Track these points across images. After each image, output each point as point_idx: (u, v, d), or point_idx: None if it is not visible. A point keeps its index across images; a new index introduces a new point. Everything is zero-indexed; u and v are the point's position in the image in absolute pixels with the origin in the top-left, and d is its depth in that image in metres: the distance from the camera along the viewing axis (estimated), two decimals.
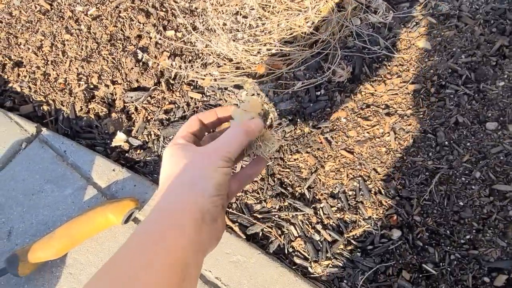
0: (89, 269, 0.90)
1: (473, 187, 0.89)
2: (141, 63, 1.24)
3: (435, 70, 1.06)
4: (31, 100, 1.24)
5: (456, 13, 1.17)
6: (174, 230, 0.37)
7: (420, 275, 0.83)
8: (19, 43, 1.37)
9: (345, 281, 0.86)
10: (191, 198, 0.39)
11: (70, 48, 1.31)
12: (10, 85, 1.29)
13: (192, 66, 1.21)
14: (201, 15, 1.30)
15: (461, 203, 0.88)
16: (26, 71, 1.30)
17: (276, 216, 0.95)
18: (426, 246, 0.85)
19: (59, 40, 1.34)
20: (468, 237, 0.84)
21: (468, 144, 0.94)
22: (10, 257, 0.85)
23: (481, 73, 1.03)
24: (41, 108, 1.22)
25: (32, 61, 1.31)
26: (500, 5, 1.17)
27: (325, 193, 0.96)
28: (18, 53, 1.35)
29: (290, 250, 0.91)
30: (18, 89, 1.27)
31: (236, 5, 1.26)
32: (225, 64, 1.19)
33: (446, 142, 0.95)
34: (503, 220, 0.84)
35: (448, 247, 0.84)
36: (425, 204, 0.89)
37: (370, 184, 0.95)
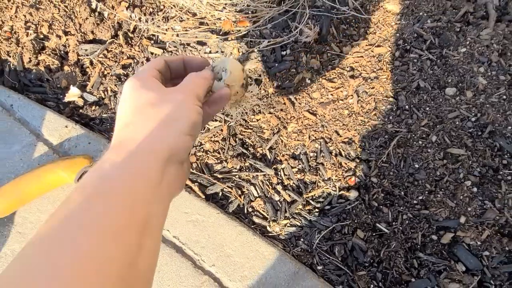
0: None
1: (428, 150, 0.91)
2: (96, 13, 1.15)
3: (401, 34, 1.06)
4: None
5: None
6: (136, 175, 0.32)
7: (374, 234, 0.86)
8: None
9: (302, 239, 0.87)
10: (163, 134, 0.35)
11: None
12: None
13: (153, 19, 1.14)
14: None
15: (417, 166, 0.90)
16: None
17: (237, 176, 0.94)
18: (381, 207, 0.88)
19: None
20: (420, 197, 0.87)
21: (427, 108, 0.96)
22: None
23: (445, 38, 1.03)
24: None
25: None
26: None
27: (286, 154, 0.95)
28: None
29: (250, 210, 0.91)
30: None
31: None
32: (188, 18, 1.12)
33: (407, 106, 0.97)
34: (454, 182, 0.88)
35: (401, 208, 0.87)
36: (382, 166, 0.91)
37: (331, 146, 0.95)
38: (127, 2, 1.16)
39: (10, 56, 1.12)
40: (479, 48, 1.01)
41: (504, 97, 0.95)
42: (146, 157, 0.34)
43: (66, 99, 1.04)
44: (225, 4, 1.10)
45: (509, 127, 0.91)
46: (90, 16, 1.14)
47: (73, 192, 0.30)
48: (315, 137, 0.96)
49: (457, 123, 0.93)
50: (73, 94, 1.04)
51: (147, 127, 0.35)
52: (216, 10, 1.10)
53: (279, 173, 0.94)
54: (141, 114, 0.36)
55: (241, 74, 0.48)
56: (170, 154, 0.35)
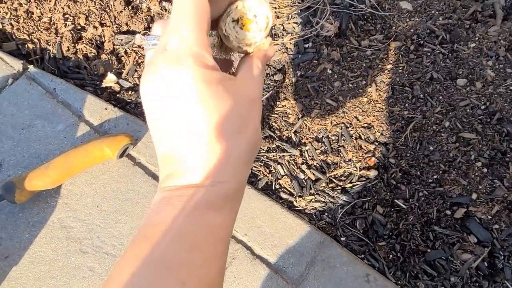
0: (84, 200, 0.93)
1: (442, 134, 0.99)
2: (130, 7, 1.23)
3: (415, 29, 1.14)
4: (13, 37, 1.21)
5: None
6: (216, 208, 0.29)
7: (392, 209, 0.94)
8: None
9: (326, 213, 0.95)
10: (250, 164, 0.32)
11: None
12: None
13: None
14: None
15: (431, 148, 0.98)
16: (7, 7, 1.25)
17: (265, 156, 1.01)
18: (399, 185, 0.96)
19: None
20: (435, 176, 0.95)
21: (440, 97, 1.04)
22: (6, 184, 0.86)
23: (456, 34, 1.12)
24: (26, 46, 1.19)
25: None
26: None
27: (310, 137, 1.03)
28: None
29: (277, 186, 0.98)
30: None
31: None
32: None
33: (421, 95, 1.05)
34: (466, 163, 0.95)
35: (418, 186, 0.95)
36: (399, 148, 0.99)
37: (351, 130, 1.03)
38: None
39: (49, 45, 1.19)
40: (487, 44, 1.09)
41: (511, 88, 1.03)
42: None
43: (104, 85, 1.12)
44: None
45: None
46: (125, 9, 1.22)
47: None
48: (337, 122, 1.04)
49: (468, 110, 1.01)
50: (110, 80, 1.12)
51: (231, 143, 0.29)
52: None
53: (303, 154, 1.01)
54: (229, 140, 0.29)
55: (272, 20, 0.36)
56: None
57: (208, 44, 0.29)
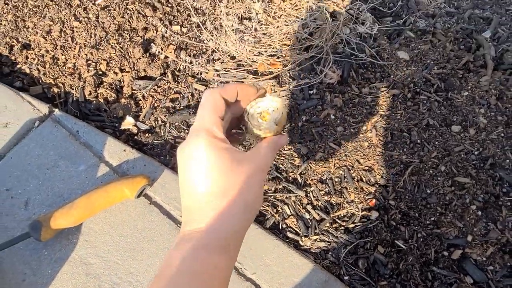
0: (103, 237, 1.00)
1: (438, 178, 1.06)
2: (147, 54, 1.34)
3: (411, 78, 1.23)
4: (40, 82, 1.31)
5: (431, 29, 1.35)
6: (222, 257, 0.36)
7: (392, 250, 0.99)
8: (26, 26, 1.42)
9: (330, 253, 1.00)
10: (247, 221, 0.39)
11: (79, 35, 1.38)
12: (18, 66, 1.34)
13: (197, 60, 1.32)
14: (210, 15, 1.41)
15: (428, 191, 1.04)
16: (35, 54, 1.36)
17: (272, 197, 1.08)
18: (398, 226, 1.02)
19: (68, 27, 1.41)
20: (432, 218, 1.01)
21: (436, 143, 1.11)
22: (33, 223, 0.93)
23: (450, 83, 1.21)
24: (51, 90, 1.29)
25: (41, 44, 1.38)
26: (468, 26, 1.36)
27: (315, 179, 1.10)
28: (26, 36, 1.40)
29: (284, 226, 1.04)
30: (27, 71, 1.33)
31: (240, 8, 1.38)
32: (228, 61, 1.31)
33: (418, 140, 1.12)
34: (461, 206, 1.02)
35: (416, 227, 1.01)
36: (398, 191, 1.06)
37: (353, 172, 1.10)
38: (174, 45, 1.35)
39: (72, 89, 1.29)
40: (479, 93, 1.18)
41: (502, 134, 1.11)
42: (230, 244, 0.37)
43: (122, 127, 1.21)
44: (263, 50, 1.29)
45: (507, 160, 1.06)
46: (143, 56, 1.32)
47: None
48: (339, 165, 1.12)
49: (462, 156, 1.09)
50: (128, 123, 1.21)
51: (236, 218, 0.37)
52: (254, 55, 1.28)
53: (308, 194, 1.08)
54: (231, 204, 0.37)
55: (286, 115, 0.47)
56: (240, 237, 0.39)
57: (220, 124, 0.39)
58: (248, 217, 0.38)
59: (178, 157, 0.39)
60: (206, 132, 0.38)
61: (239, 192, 0.37)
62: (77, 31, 1.39)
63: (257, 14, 1.35)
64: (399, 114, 1.17)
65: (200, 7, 1.45)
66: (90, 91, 1.28)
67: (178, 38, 1.36)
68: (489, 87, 1.18)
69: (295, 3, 1.40)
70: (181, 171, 0.38)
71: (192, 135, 0.38)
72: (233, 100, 0.43)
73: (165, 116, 1.23)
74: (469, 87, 1.19)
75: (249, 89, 0.44)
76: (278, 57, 1.30)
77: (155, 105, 1.26)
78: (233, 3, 1.41)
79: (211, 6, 1.44)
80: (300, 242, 1.02)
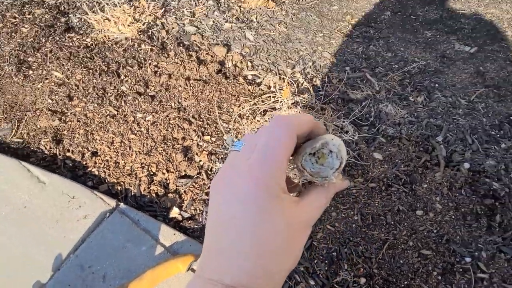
0: None
1: (408, 251, 1.43)
2: (186, 158, 1.78)
3: (385, 174, 1.66)
4: (105, 181, 1.74)
5: (398, 135, 1.82)
6: None
7: None
8: (94, 138, 1.89)
9: None
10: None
11: (135, 144, 1.84)
12: (89, 169, 1.78)
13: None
14: (233, 126, 1.89)
15: (401, 261, 1.41)
16: (101, 159, 1.81)
17: None
18: None
19: (126, 138, 1.87)
20: (406, 282, 1.37)
21: (406, 224, 1.51)
22: None
23: (413, 178, 1.64)
24: (115, 187, 1.71)
25: (106, 152, 1.83)
26: (425, 131, 1.83)
27: (316, 255, 1.47)
28: (94, 145, 1.86)
29: None
30: (96, 173, 1.76)
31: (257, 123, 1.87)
32: None
33: (392, 222, 1.52)
34: (426, 272, 1.38)
35: None
36: (379, 261, 1.42)
37: (345, 248, 1.48)
38: (206, 151, 1.80)
39: (130, 186, 1.71)
40: (435, 185, 1.60)
41: (453, 216, 1.50)
42: None
43: (170, 215, 1.60)
44: None
45: (458, 236, 1.45)
46: (183, 160, 1.76)
47: None
48: (335, 242, 1.49)
49: (425, 233, 1.47)
50: (175, 212, 1.61)
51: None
52: None
53: (314, 266, 1.44)
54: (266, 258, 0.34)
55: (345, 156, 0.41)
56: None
57: (284, 172, 0.35)
58: (283, 270, 0.37)
59: (212, 183, 0.37)
60: (283, 191, 0.34)
61: (283, 250, 0.35)
62: (133, 142, 1.86)
63: None
64: (376, 202, 1.58)
65: (224, 119, 1.93)
66: (144, 187, 1.70)
67: (209, 146, 1.82)
68: (442, 180, 1.61)
69: None
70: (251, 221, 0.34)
71: (262, 185, 0.33)
72: (302, 140, 0.38)
73: (202, 206, 1.63)
74: (427, 180, 1.62)
75: (321, 129, 0.40)
76: None
77: (194, 197, 1.67)
78: (251, 120, 1.90)
79: (233, 121, 1.92)
80: None
